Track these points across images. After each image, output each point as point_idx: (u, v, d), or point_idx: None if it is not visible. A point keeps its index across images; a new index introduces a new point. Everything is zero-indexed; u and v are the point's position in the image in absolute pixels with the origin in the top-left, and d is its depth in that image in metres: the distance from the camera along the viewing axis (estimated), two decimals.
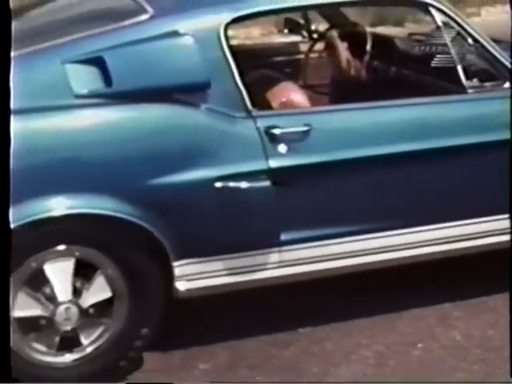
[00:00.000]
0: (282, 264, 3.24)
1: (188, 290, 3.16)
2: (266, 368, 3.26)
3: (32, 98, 2.98)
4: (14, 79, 3.01)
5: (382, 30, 5.10)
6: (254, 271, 3.21)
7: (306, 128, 3.19)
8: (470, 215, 3.47)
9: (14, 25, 3.80)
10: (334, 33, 4.32)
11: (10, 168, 2.85)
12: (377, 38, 4.28)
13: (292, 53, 4.59)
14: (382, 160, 3.30)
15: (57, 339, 3.08)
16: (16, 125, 2.92)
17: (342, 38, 4.27)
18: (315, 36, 4.47)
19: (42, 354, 3.08)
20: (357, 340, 3.44)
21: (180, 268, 3.11)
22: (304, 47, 4.56)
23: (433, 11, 3.53)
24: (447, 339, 3.45)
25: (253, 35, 7.18)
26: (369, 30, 4.42)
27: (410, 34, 4.60)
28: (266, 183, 3.11)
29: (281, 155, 3.15)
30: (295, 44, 4.65)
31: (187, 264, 3.12)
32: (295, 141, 3.17)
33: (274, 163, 3.13)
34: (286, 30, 4.62)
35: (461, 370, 3.23)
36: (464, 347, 3.38)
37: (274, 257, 3.22)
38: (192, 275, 3.14)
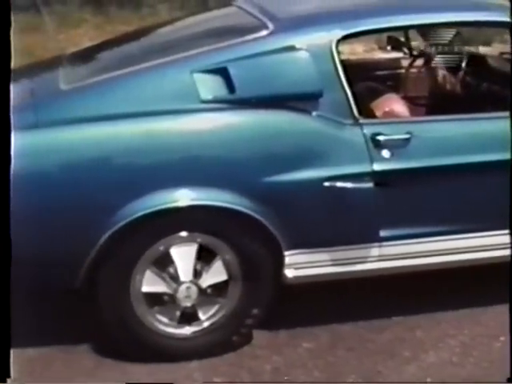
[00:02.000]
0: (382, 258, 3.21)
1: (295, 277, 3.16)
2: (361, 350, 3.25)
3: (164, 102, 3.04)
4: (148, 86, 3.12)
5: (472, 48, 4.98)
6: (355, 263, 3.20)
7: (407, 136, 3.16)
8: None
9: (146, 40, 3.88)
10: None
11: (127, 164, 2.93)
12: (470, 56, 4.22)
13: (394, 67, 4.54)
14: (474, 167, 3.24)
15: (178, 313, 3.13)
16: (149, 125, 3.02)
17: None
18: (415, 53, 4.42)
19: (164, 325, 3.13)
20: (445, 330, 3.39)
21: (290, 257, 3.13)
22: (405, 63, 4.53)
23: None
24: None
25: (357, 51, 7.15)
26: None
27: (501, 53, 4.51)
28: (370, 184, 3.09)
29: (384, 159, 3.13)
30: (396, 60, 4.60)
31: (296, 254, 3.13)
32: (397, 147, 3.14)
33: (377, 167, 3.11)
34: (388, 47, 4.59)
35: None
36: None
37: (375, 251, 3.20)
38: (300, 264, 3.15)
